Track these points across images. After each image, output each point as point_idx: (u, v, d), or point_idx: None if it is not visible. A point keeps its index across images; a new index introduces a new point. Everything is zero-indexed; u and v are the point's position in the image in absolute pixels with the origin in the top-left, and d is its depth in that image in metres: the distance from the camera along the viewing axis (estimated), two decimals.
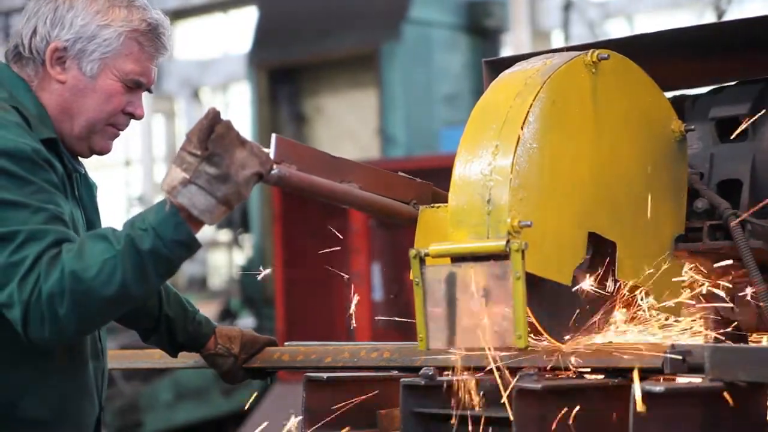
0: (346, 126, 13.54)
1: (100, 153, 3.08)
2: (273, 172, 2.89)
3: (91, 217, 3.09)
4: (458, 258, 2.75)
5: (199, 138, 2.75)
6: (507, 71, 2.97)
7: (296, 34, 13.47)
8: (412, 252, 2.77)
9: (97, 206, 3.16)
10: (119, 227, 2.79)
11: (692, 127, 3.15)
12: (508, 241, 2.66)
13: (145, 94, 3.10)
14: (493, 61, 3.64)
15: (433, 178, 3.32)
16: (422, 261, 2.77)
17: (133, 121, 3.11)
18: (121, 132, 3.08)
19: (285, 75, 13.73)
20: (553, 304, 2.88)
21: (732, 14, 12.37)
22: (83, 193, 3.08)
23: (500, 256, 2.67)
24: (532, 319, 2.77)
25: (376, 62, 13.12)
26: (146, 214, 2.79)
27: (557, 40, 16.63)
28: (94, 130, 3.01)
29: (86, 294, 2.71)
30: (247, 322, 12.16)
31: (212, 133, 2.75)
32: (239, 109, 21.16)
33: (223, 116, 2.80)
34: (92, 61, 2.97)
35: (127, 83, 3.00)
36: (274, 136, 3.02)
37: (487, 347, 2.69)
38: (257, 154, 2.80)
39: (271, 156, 2.93)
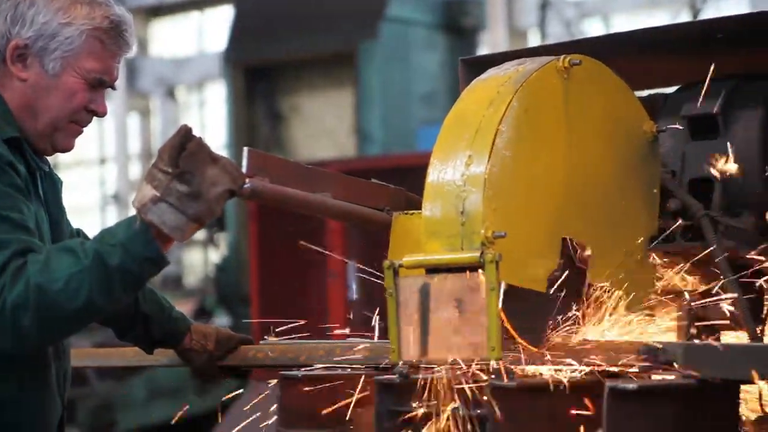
0: (323, 124, 13.54)
1: (63, 150, 3.07)
2: (246, 186, 2.90)
3: (56, 215, 3.08)
4: (432, 269, 2.76)
5: (170, 155, 2.75)
6: (479, 78, 2.97)
7: (273, 32, 13.45)
8: (386, 263, 2.77)
9: (62, 203, 3.15)
10: (93, 226, 2.79)
11: (664, 128, 3.17)
12: (482, 253, 2.67)
13: (120, 91, 3.09)
14: (469, 60, 3.65)
15: (411, 176, 3.33)
16: (396, 272, 2.77)
17: (108, 119, 3.10)
18: (83, 129, 3.08)
19: (261, 73, 13.70)
20: (526, 307, 2.88)
21: (707, 13, 12.44)
22: (47, 190, 3.07)
23: (474, 268, 2.68)
24: (506, 323, 2.78)
25: (353, 60, 13.12)
26: (116, 229, 2.80)
27: (534, 39, 16.67)
28: (56, 127, 3.00)
29: (51, 307, 2.71)
30: (222, 320, 12.14)
31: (183, 151, 2.76)
32: (215, 107, 21.13)
33: (196, 132, 2.80)
34: (54, 59, 2.95)
35: (89, 81, 2.99)
36: (245, 149, 3.03)
37: (460, 359, 2.71)
38: (229, 171, 2.81)
39: (243, 170, 2.94)
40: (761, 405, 3.03)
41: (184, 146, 2.76)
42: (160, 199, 2.75)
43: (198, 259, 18.31)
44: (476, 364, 2.73)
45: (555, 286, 2.91)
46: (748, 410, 3.02)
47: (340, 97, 13.41)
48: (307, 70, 13.55)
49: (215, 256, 14.68)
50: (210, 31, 22.13)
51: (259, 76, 13.69)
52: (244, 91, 13.69)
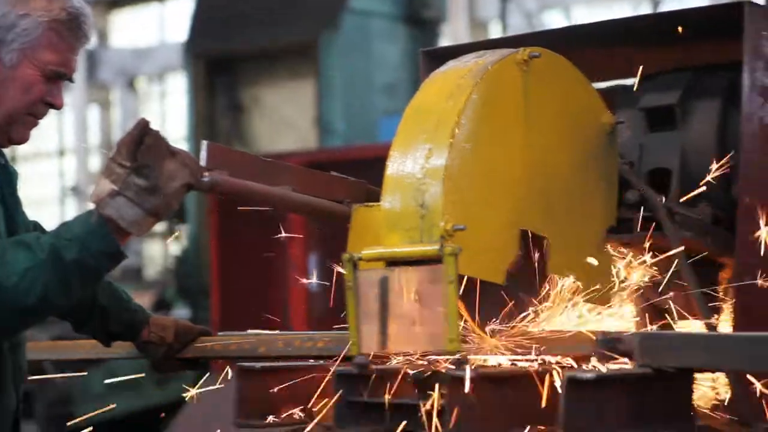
0: (284, 116, 13.50)
1: (19, 143, 3.05)
2: (204, 180, 2.89)
3: (11, 208, 3.05)
4: (392, 262, 2.76)
5: (128, 149, 2.74)
6: (439, 70, 2.98)
7: (234, 23, 13.39)
8: (345, 256, 2.78)
9: (18, 196, 3.12)
10: (52, 218, 2.78)
11: (622, 120, 3.19)
12: (441, 246, 2.68)
13: (80, 82, 3.07)
14: (430, 52, 3.66)
15: (372, 168, 3.33)
16: (355, 265, 2.77)
17: (67, 111, 3.08)
18: (39, 122, 3.05)
19: (222, 65, 13.64)
20: (485, 299, 2.90)
21: (668, 5, 12.52)
22: (2, 183, 3.04)
23: (434, 261, 2.69)
24: (465, 315, 2.79)
25: (314, 52, 13.09)
26: (73, 223, 2.78)
27: (495, 31, 16.70)
28: (13, 120, 2.97)
29: (5, 302, 2.69)
30: (182, 312, 12.09)
31: (141, 144, 2.75)
32: (176, 99, 21.02)
33: (153, 126, 2.79)
34: (11, 51, 2.92)
35: (46, 73, 2.96)
36: (204, 143, 3.02)
37: (419, 351, 2.71)
38: (187, 164, 2.80)
39: (202, 163, 2.93)
40: (715, 392, 3.07)
41: (142, 140, 2.75)
42: (117, 193, 2.74)
43: (158, 251, 18.24)
44: (435, 355, 2.74)
45: (514, 278, 2.92)
46: (702, 398, 3.06)
47: (301, 89, 13.38)
48: (268, 61, 13.51)
49: (175, 248, 14.62)
50: (171, 22, 22.01)
51: (220, 67, 13.63)
52: (205, 83, 13.62)
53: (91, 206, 2.80)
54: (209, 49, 13.61)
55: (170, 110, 21.88)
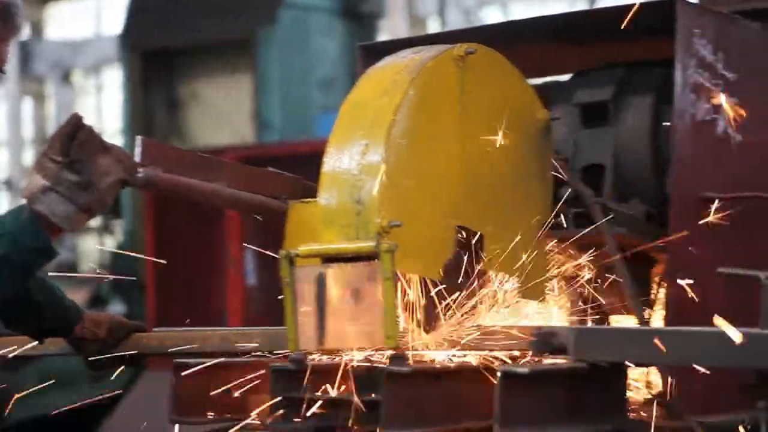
0: (222, 111, 13.43)
1: None
2: (139, 176, 2.87)
3: None
4: (328, 259, 2.76)
5: (60, 144, 2.71)
6: (375, 66, 2.98)
7: (171, 16, 13.29)
8: (282, 252, 2.77)
9: None
10: None
11: (557, 116, 3.21)
12: (378, 242, 2.68)
13: (13, 75, 3.03)
14: (367, 47, 3.66)
15: (310, 163, 3.32)
16: (292, 261, 2.76)
17: (0, 103, 3.04)
18: None
19: (159, 58, 13.53)
20: (421, 295, 2.90)
21: (604, 2, 12.62)
22: None
23: (370, 257, 2.69)
24: (402, 311, 2.80)
25: (252, 47, 13.03)
26: (4, 218, 2.76)
27: (434, 27, 16.74)
28: None
29: None
30: (117, 308, 11.98)
31: (74, 139, 2.72)
32: (113, 92, 20.81)
33: (86, 121, 2.76)
34: None
35: None
36: (138, 138, 3.00)
37: (357, 348, 2.72)
38: (121, 160, 2.78)
39: (136, 159, 2.91)
40: (648, 386, 3.10)
41: (75, 135, 2.72)
42: (49, 189, 2.71)
43: (93, 246, 18.05)
44: (372, 352, 2.74)
45: (450, 274, 2.93)
46: (635, 392, 3.09)
47: (238, 84, 13.31)
48: (205, 55, 13.43)
49: (111, 242, 14.49)
50: (107, 14, 21.78)
51: (156, 61, 13.52)
52: (142, 77, 13.51)
53: (24, 201, 2.77)
54: (146, 42, 13.50)
55: (106, 104, 21.66)
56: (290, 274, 2.76)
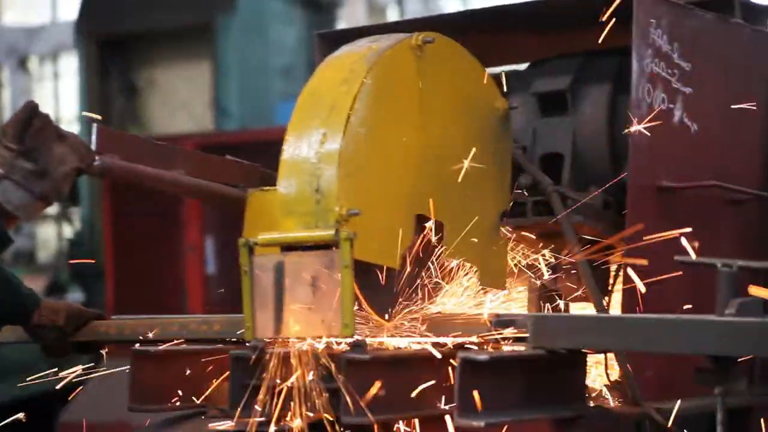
0: (180, 98, 13.35)
1: None
2: (95, 164, 2.86)
3: None
4: (287, 247, 2.76)
5: (15, 131, 2.70)
6: (333, 55, 2.98)
7: (128, 3, 13.19)
8: (241, 241, 2.76)
9: None
10: None
11: (515, 105, 3.23)
12: (336, 231, 2.68)
13: None
14: (325, 35, 3.66)
15: (268, 151, 3.32)
16: (251, 250, 2.76)
17: None
18: None
19: (116, 45, 13.43)
20: (379, 283, 2.91)
21: None
22: None
23: (329, 246, 2.69)
24: (360, 299, 2.80)
25: (210, 34, 12.95)
26: None
27: (393, 15, 16.73)
28: None
29: None
30: (75, 296, 11.91)
31: (30, 127, 2.70)
32: (70, 79, 20.63)
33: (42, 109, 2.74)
34: None
35: None
36: (95, 126, 2.99)
37: (315, 336, 2.72)
38: (77, 148, 2.77)
39: (93, 147, 2.90)
40: (607, 373, 3.13)
41: (31, 123, 2.71)
42: (4, 177, 2.70)
43: (51, 234, 17.92)
44: (331, 339, 2.75)
45: (409, 262, 2.94)
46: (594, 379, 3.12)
47: (196, 71, 13.23)
48: (163, 42, 13.33)
49: (69, 230, 14.39)
50: (64, 0, 21.58)
51: (113, 47, 13.41)
52: (98, 64, 13.40)
53: None
54: (102, 28, 13.39)
55: (64, 91, 21.47)
56: (249, 263, 2.76)
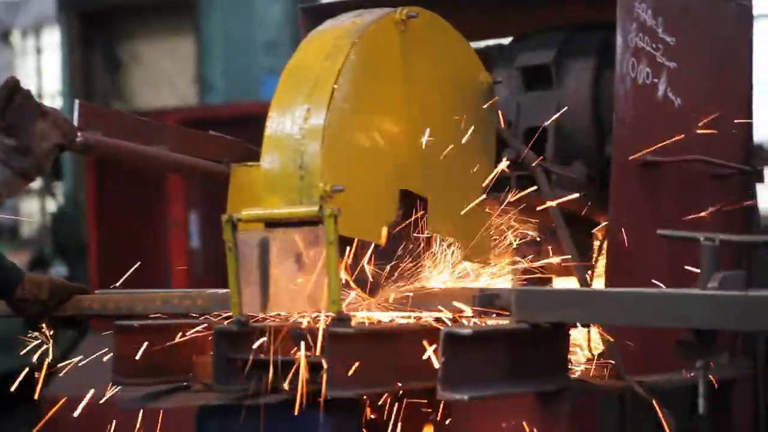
0: (164, 72, 13.30)
1: None
2: (78, 140, 2.85)
3: None
4: (271, 223, 2.75)
5: None
6: (317, 30, 2.96)
7: None
8: (224, 217, 2.75)
9: None
10: None
11: (499, 79, 3.22)
12: (321, 207, 2.67)
13: None
14: (309, 9, 3.64)
15: (253, 125, 3.31)
16: (234, 226, 2.75)
17: None
18: None
19: (99, 19, 13.35)
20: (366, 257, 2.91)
21: None
22: None
23: (313, 222, 2.69)
24: (345, 275, 2.80)
25: (194, 7, 12.89)
26: None
27: None
28: None
29: None
30: (59, 270, 11.89)
31: (11, 103, 2.68)
32: (53, 53, 20.51)
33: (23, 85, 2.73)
34: None
35: None
36: (77, 102, 2.97)
37: (301, 313, 2.72)
38: (59, 125, 2.75)
39: (75, 123, 2.88)
40: (589, 347, 3.14)
41: (12, 99, 2.69)
42: None
43: (34, 209, 17.86)
44: (316, 314, 2.75)
45: (394, 237, 2.94)
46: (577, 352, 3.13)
47: (180, 45, 13.18)
48: (147, 16, 13.27)
49: (52, 205, 14.35)
50: None
51: (96, 21, 13.33)
52: (81, 38, 13.32)
53: None
54: (84, 2, 13.31)
55: (47, 65, 21.35)
56: (233, 239, 2.75)
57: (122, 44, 13.46)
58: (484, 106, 3.17)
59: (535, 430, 2.91)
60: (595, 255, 3.28)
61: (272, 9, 13.46)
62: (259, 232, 2.75)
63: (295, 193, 2.77)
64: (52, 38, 20.80)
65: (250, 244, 2.74)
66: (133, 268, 3.56)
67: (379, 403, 2.98)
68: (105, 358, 3.25)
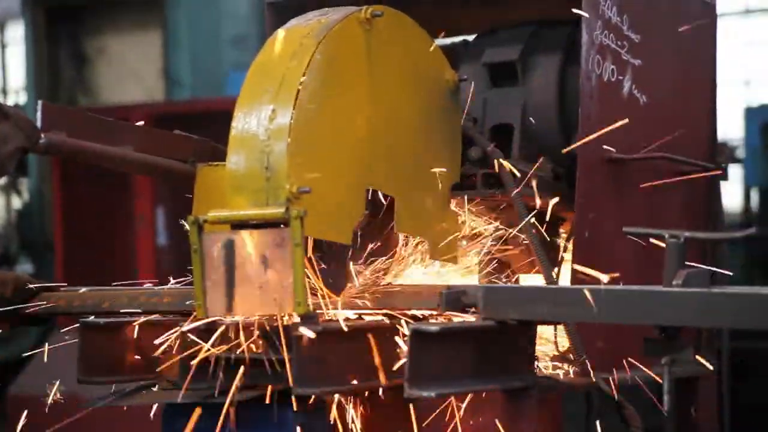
0: (130, 67, 13.22)
1: None
2: (41, 142, 2.83)
3: None
4: (237, 225, 2.74)
5: None
6: (282, 28, 2.95)
7: None
8: (190, 219, 2.74)
9: None
10: None
11: (465, 77, 3.22)
12: (287, 209, 2.67)
13: None
14: (276, 4, 3.63)
15: (219, 121, 3.30)
16: (200, 228, 2.74)
17: None
18: None
19: (64, 13, 13.26)
20: (330, 257, 2.90)
21: None
22: None
23: (279, 223, 2.68)
24: (311, 275, 2.80)
25: (161, 2, 12.83)
26: None
27: None
28: None
29: None
30: (25, 267, 11.82)
31: None
32: (19, 49, 20.36)
33: None
34: None
35: None
36: (40, 103, 2.95)
37: (266, 315, 2.71)
38: (22, 127, 2.74)
39: (38, 125, 2.86)
40: (555, 344, 3.15)
41: None
42: None
43: None
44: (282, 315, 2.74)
45: (360, 237, 2.94)
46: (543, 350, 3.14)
47: (147, 39, 13.11)
48: (113, 10, 13.18)
49: (17, 201, 14.25)
50: None
51: (61, 16, 13.24)
52: (46, 32, 13.23)
53: None
54: None
55: (11, 61, 21.18)
56: (199, 241, 2.74)
57: (88, 39, 13.37)
58: (450, 104, 3.17)
59: (501, 426, 2.92)
60: (561, 252, 3.29)
61: (240, 3, 13.41)
62: (225, 234, 2.74)
63: (261, 194, 2.75)
64: (17, 33, 20.64)
65: (215, 246, 2.73)
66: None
67: (347, 401, 2.98)
68: (71, 356, 3.23)
